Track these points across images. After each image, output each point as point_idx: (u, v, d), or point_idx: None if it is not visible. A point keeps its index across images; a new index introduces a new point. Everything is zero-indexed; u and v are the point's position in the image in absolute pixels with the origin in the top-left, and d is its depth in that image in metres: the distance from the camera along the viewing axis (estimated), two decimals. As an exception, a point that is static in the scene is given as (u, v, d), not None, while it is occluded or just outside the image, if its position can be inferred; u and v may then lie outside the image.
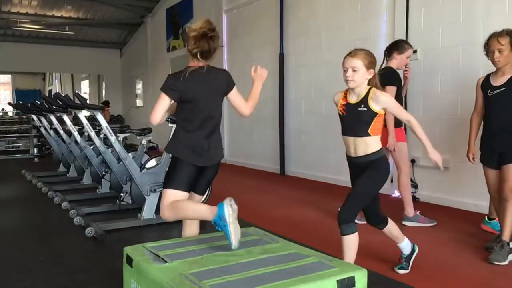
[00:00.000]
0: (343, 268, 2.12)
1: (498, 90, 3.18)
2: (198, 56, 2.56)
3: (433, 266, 3.06)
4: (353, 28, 6.10)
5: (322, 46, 6.57)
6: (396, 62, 4.05)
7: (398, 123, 3.99)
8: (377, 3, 5.73)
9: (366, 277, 2.12)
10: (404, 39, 5.27)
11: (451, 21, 4.82)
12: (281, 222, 4.32)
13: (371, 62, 2.62)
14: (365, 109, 2.59)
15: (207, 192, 3.03)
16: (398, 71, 4.09)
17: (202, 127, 2.65)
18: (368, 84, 2.65)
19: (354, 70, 2.59)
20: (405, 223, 4.09)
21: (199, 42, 2.53)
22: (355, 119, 2.64)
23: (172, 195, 2.64)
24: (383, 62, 4.15)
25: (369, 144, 2.63)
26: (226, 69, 8.90)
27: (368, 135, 2.62)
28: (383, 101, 2.59)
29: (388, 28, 5.56)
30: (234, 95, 2.75)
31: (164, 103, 2.61)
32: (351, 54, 2.62)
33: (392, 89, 3.90)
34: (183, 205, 2.63)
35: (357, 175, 2.72)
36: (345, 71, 2.62)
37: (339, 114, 2.74)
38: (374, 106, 2.58)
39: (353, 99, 2.67)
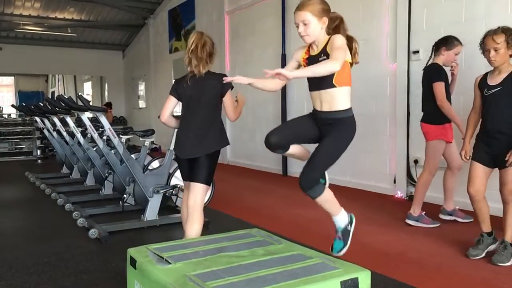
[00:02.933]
0: (347, 269, 2.12)
1: (494, 90, 3.09)
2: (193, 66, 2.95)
3: (436, 267, 3.06)
4: (355, 28, 6.00)
5: (324, 46, 6.58)
6: (443, 58, 3.96)
7: (447, 119, 3.90)
8: (379, 3, 5.73)
9: (369, 278, 2.12)
10: (406, 39, 5.29)
11: (453, 21, 4.81)
12: (284, 223, 4.32)
13: (321, 10, 2.43)
14: (325, 57, 2.40)
15: (208, 184, 3.03)
16: (444, 67, 3.99)
17: (190, 125, 3.01)
18: (330, 34, 2.48)
19: (305, 24, 2.42)
20: (408, 221, 4.08)
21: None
22: None
23: (184, 183, 3.20)
24: (430, 57, 4.09)
25: (335, 98, 2.46)
26: (228, 70, 8.93)
27: (333, 86, 2.43)
28: (333, 39, 2.37)
29: (391, 28, 5.56)
30: (225, 99, 3.01)
31: (170, 102, 3.06)
32: (298, 7, 2.43)
33: (441, 84, 3.84)
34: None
35: (316, 126, 2.56)
36: (297, 27, 2.45)
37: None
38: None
39: (314, 51, 2.51)
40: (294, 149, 2.65)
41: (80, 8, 12.89)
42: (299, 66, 2.64)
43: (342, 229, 2.68)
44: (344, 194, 5.78)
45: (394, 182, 5.52)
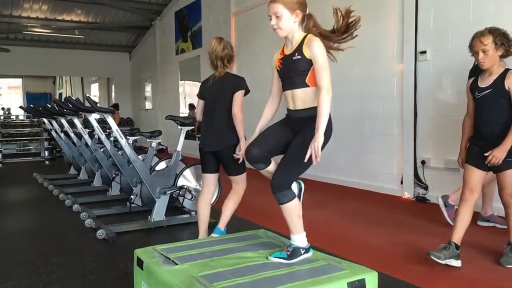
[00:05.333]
0: (354, 270, 2.12)
1: (485, 92, 3.01)
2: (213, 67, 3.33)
3: (444, 268, 3.03)
4: (362, 29, 5.99)
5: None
6: None
7: None
8: (386, 4, 5.72)
9: (376, 279, 2.12)
10: (413, 39, 5.27)
11: (460, 21, 4.79)
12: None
13: (295, 2, 2.38)
14: (299, 57, 2.36)
15: (243, 172, 3.42)
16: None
17: (211, 120, 3.32)
18: (307, 31, 2.44)
19: (277, 17, 2.38)
20: (480, 223, 4.03)
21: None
22: (291, 70, 2.41)
23: (204, 176, 3.48)
24: None
25: (308, 96, 2.39)
26: (235, 71, 8.93)
27: (306, 85, 2.38)
28: (313, 47, 2.32)
29: (397, 29, 5.54)
30: (236, 94, 3.23)
31: (199, 104, 3.47)
32: None
33: None
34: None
35: (292, 131, 2.49)
36: (270, 20, 2.41)
37: (277, 70, 2.53)
38: (308, 53, 2.34)
39: (288, 50, 2.45)
40: (275, 167, 2.58)
41: (87, 10, 12.98)
42: None
43: (294, 247, 2.43)
44: (351, 195, 5.80)
45: (401, 183, 5.50)
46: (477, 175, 3.06)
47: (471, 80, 3.19)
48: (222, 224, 3.40)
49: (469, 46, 3.06)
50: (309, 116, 2.39)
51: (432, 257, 2.96)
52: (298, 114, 2.46)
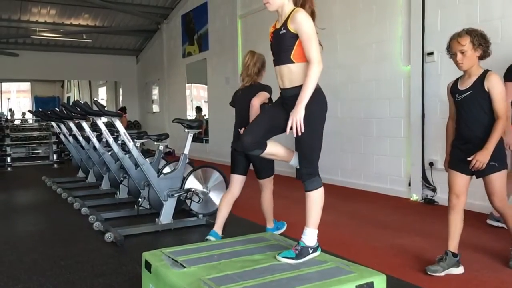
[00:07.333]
0: (362, 273, 2.11)
1: (465, 94, 2.94)
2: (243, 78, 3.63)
3: (453, 271, 3.01)
4: (368, 30, 6.07)
5: (337, 49, 6.56)
6: None
7: None
8: (392, 5, 5.70)
9: (385, 282, 2.11)
10: (421, 40, 5.25)
11: (468, 22, 4.75)
12: (298, 227, 4.28)
13: None
14: (284, 31, 2.35)
15: (270, 175, 3.76)
16: None
17: (238, 123, 3.62)
18: (296, 5, 2.42)
19: None
20: (489, 222, 4.01)
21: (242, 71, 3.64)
22: (278, 44, 2.41)
23: (232, 177, 3.65)
24: None
25: (294, 73, 2.38)
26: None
27: (291, 61, 2.37)
28: (296, 18, 2.30)
29: (404, 30, 5.53)
30: (259, 93, 3.47)
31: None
32: None
33: (510, 85, 3.62)
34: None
35: (284, 110, 2.47)
36: None
37: (270, 44, 2.54)
38: (292, 26, 2.32)
39: (278, 24, 2.45)
40: (274, 148, 2.59)
41: (94, 14, 13.07)
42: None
43: (303, 246, 2.44)
44: (358, 197, 5.78)
45: (409, 185, 5.47)
46: (461, 180, 2.97)
47: (451, 83, 3.11)
48: (269, 224, 3.91)
49: (446, 48, 2.98)
50: (297, 94, 2.37)
51: (429, 272, 2.92)
52: (287, 93, 2.47)
